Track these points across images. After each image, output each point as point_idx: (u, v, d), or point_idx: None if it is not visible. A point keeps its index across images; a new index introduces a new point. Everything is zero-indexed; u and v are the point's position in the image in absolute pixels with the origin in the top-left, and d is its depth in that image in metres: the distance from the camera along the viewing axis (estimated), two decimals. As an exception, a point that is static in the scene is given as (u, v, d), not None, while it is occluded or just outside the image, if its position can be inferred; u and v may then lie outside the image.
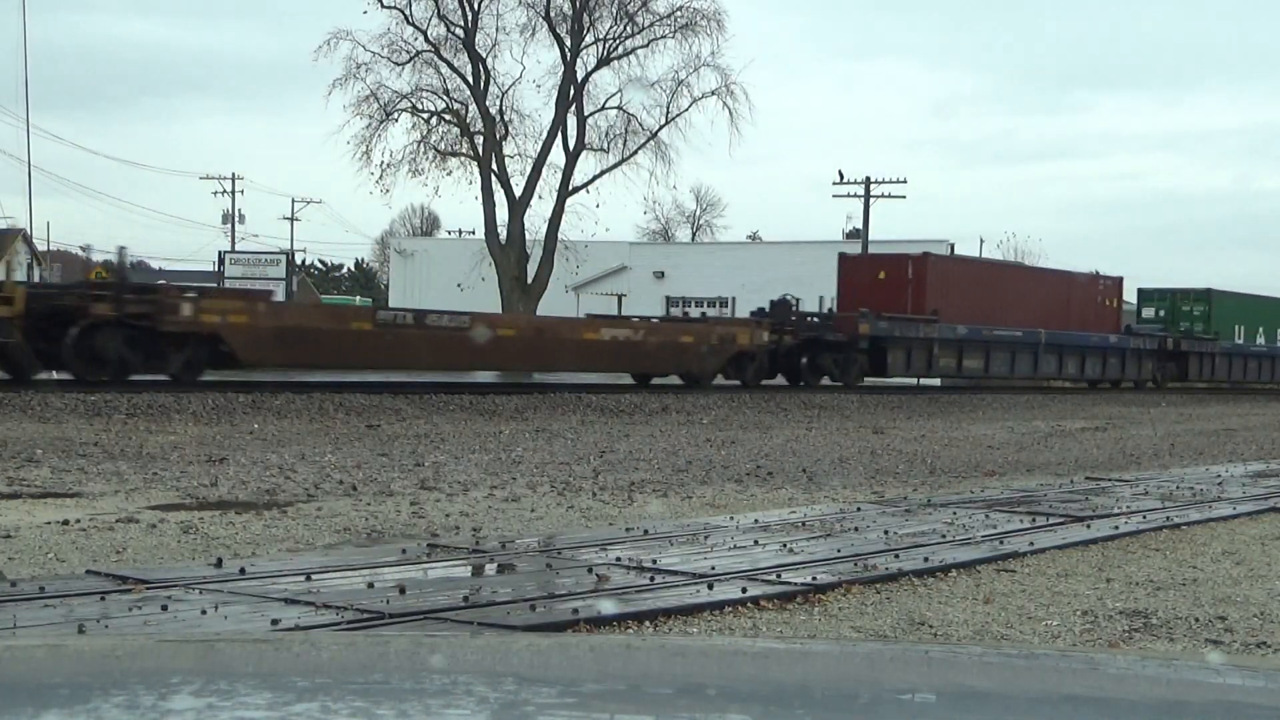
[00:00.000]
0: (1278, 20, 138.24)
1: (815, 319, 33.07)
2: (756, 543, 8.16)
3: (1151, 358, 42.32)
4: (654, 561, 7.30)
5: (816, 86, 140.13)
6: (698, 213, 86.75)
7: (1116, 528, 9.41)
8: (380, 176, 46.52)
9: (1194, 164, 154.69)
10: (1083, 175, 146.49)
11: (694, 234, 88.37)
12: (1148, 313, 45.91)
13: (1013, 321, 36.76)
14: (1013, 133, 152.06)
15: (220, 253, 60.55)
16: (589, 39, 47.47)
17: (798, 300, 33.15)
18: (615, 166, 48.08)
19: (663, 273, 64.39)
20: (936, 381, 37.12)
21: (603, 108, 48.02)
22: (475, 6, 46.74)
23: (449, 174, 47.77)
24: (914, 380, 34.67)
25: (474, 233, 58.57)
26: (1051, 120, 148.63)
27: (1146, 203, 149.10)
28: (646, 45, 47.75)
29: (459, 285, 51.00)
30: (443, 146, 47.55)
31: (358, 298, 76.08)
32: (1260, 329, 47.74)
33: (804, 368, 31.11)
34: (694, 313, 54.05)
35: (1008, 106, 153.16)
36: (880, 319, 32.51)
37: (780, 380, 31.30)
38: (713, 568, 7.16)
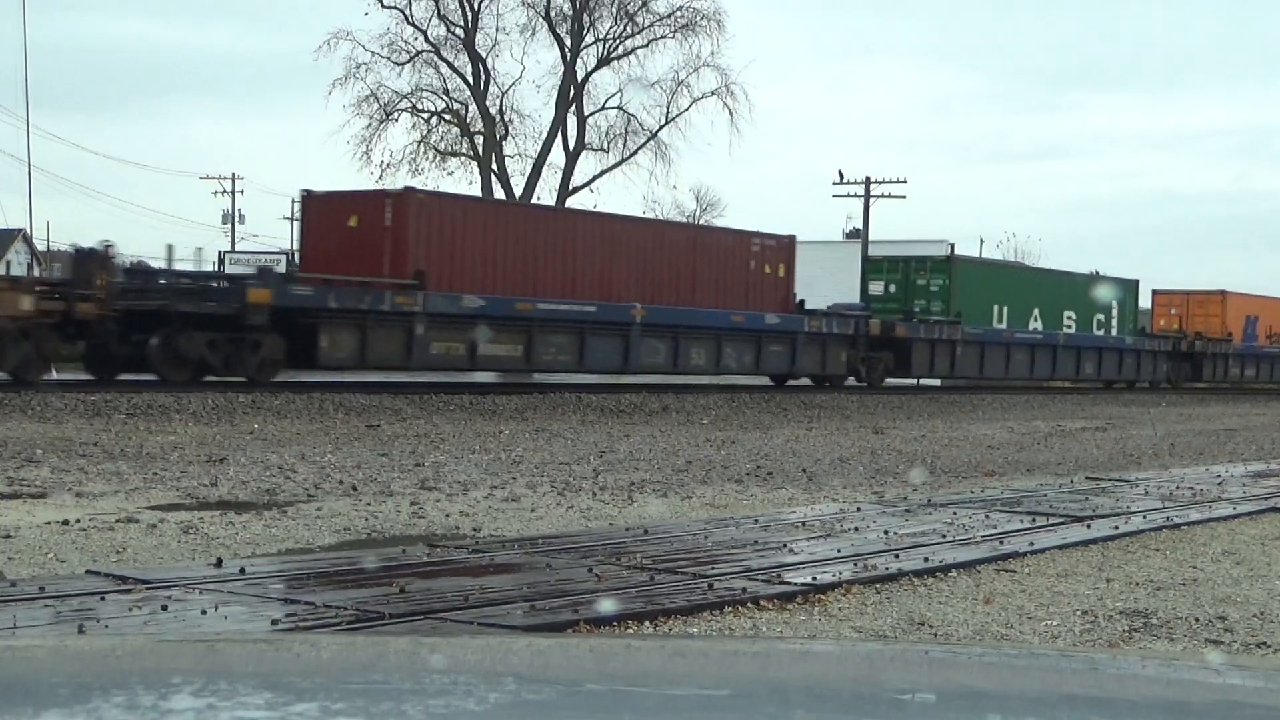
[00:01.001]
0: (1267, 21, 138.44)
1: (168, 280, 24.09)
2: (756, 542, 8.16)
3: (845, 345, 32.09)
4: (654, 561, 7.30)
5: (816, 86, 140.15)
6: (697, 212, 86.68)
7: (1116, 528, 9.41)
8: (380, 176, 46.56)
9: (1194, 163, 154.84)
10: (1085, 175, 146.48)
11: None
12: (876, 287, 35.38)
13: (587, 292, 27.00)
14: (1014, 132, 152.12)
15: (220, 252, 60.55)
16: (589, 39, 47.54)
17: (107, 247, 21.50)
18: (615, 166, 48.16)
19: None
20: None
21: (603, 108, 48.11)
22: (475, 6, 46.81)
23: (449, 174, 47.85)
24: (373, 373, 25.08)
25: (474, 233, 58.52)
26: (1051, 119, 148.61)
27: (1145, 202, 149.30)
28: (646, 45, 47.85)
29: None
30: (443, 146, 47.65)
31: None
32: (1036, 310, 37.28)
33: (154, 353, 21.64)
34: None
35: (1007, 106, 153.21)
36: (295, 283, 23.41)
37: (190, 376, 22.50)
38: (713, 567, 7.16)
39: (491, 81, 47.30)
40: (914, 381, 34.43)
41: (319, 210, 26.25)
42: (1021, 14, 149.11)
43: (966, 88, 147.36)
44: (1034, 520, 9.62)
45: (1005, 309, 36.11)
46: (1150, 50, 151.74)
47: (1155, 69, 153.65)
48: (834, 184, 62.62)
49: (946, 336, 33.65)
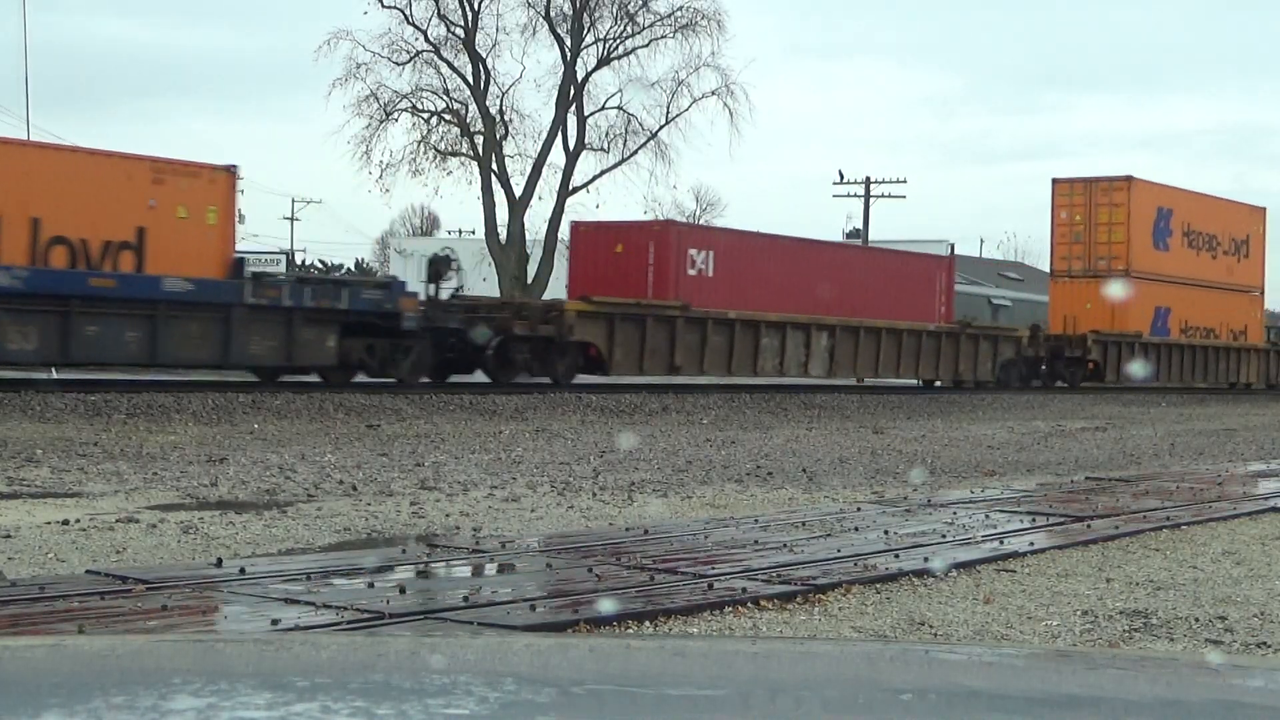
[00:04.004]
0: (1248, 21, 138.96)
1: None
2: (756, 542, 8.16)
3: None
4: (654, 561, 7.30)
5: (817, 86, 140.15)
6: (698, 212, 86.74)
7: (1116, 528, 9.41)
8: (380, 176, 46.56)
9: (1191, 162, 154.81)
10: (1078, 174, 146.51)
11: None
12: None
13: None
14: (1001, 132, 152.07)
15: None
16: (589, 39, 47.51)
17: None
18: (615, 166, 48.13)
19: (663, 273, 64.29)
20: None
21: (603, 108, 48.08)
22: (475, 6, 46.78)
23: (449, 174, 47.83)
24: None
25: (474, 233, 58.60)
26: (1056, 119, 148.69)
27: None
28: (647, 45, 47.81)
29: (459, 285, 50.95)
30: (443, 146, 47.61)
31: None
32: None
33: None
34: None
35: (1009, 105, 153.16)
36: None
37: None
38: (713, 567, 7.16)
39: (491, 81, 47.30)
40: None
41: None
42: (1005, 14, 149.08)
43: (973, 88, 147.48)
44: (1034, 520, 9.62)
45: None
46: (1133, 50, 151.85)
47: (1138, 69, 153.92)
48: (834, 184, 62.69)
49: None
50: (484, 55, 46.89)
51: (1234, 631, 6.37)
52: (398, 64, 46.59)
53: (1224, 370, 41.44)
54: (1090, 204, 37.93)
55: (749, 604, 6.37)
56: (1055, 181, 38.94)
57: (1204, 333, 41.17)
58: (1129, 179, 38.22)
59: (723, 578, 6.86)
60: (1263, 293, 45.00)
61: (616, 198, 79.79)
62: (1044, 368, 35.93)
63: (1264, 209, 45.36)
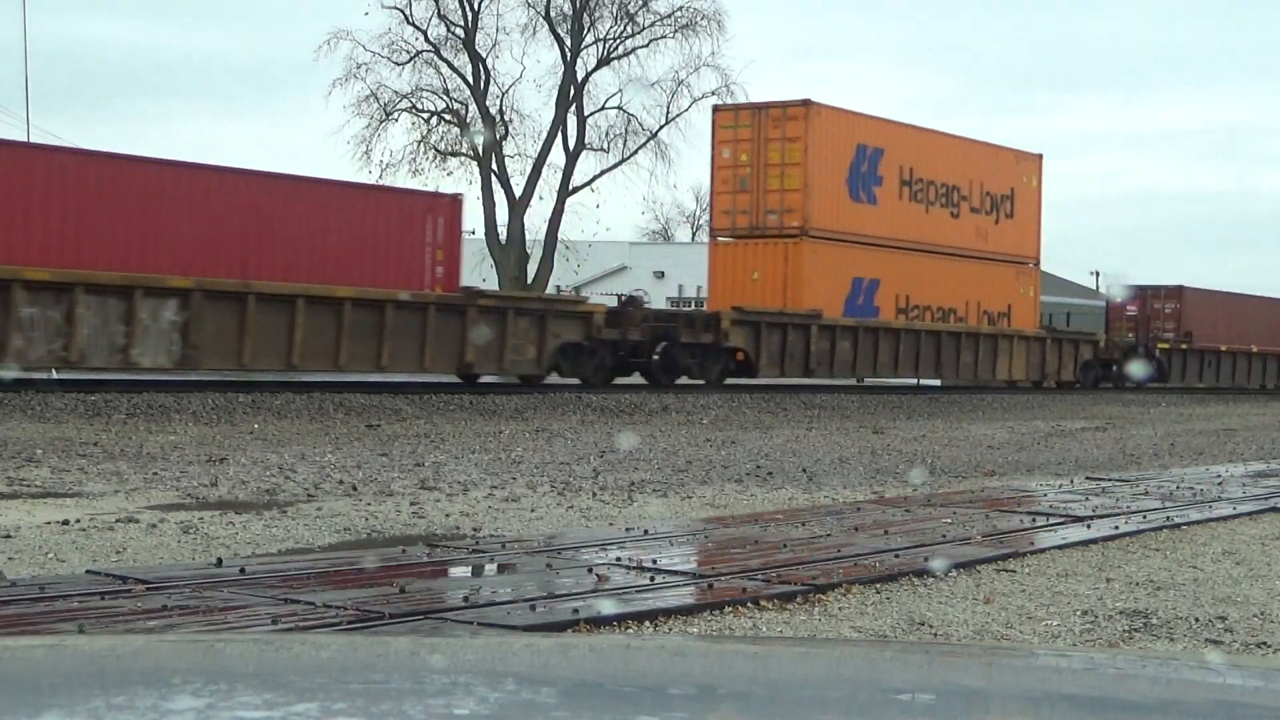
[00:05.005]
0: (1236, 21, 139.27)
1: None
2: (756, 542, 8.15)
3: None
4: (654, 561, 7.30)
5: (817, 86, 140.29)
6: (698, 212, 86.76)
7: (1116, 528, 9.41)
8: (380, 176, 46.55)
9: (1188, 161, 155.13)
10: (1073, 175, 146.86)
11: (694, 234, 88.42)
12: None
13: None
14: (1014, 132, 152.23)
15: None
16: (589, 39, 47.55)
17: None
18: (615, 166, 48.19)
19: (663, 272, 64.39)
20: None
21: (603, 108, 48.13)
22: (475, 6, 46.82)
23: (449, 174, 47.83)
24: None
25: (474, 233, 58.58)
26: (1053, 119, 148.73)
27: (1127, 201, 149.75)
28: (647, 45, 47.86)
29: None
30: (443, 146, 47.65)
31: None
32: None
33: None
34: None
35: (1007, 105, 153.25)
36: None
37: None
38: (713, 568, 7.16)
39: (491, 81, 47.35)
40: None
41: None
42: (1003, 14, 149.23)
43: (952, 88, 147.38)
44: (1034, 520, 9.61)
45: None
46: (1128, 51, 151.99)
47: (1132, 69, 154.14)
48: (834, 184, 62.52)
49: None
50: (484, 55, 46.95)
51: (1234, 631, 6.37)
52: (398, 64, 46.67)
53: (971, 363, 32.09)
54: (759, 139, 28.50)
55: (749, 604, 6.37)
56: (716, 110, 30.24)
57: (938, 314, 31.87)
58: (807, 103, 28.68)
59: (723, 578, 6.86)
60: (1037, 264, 35.18)
61: (616, 197, 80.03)
62: (656, 357, 26.08)
63: (1038, 156, 35.02)
